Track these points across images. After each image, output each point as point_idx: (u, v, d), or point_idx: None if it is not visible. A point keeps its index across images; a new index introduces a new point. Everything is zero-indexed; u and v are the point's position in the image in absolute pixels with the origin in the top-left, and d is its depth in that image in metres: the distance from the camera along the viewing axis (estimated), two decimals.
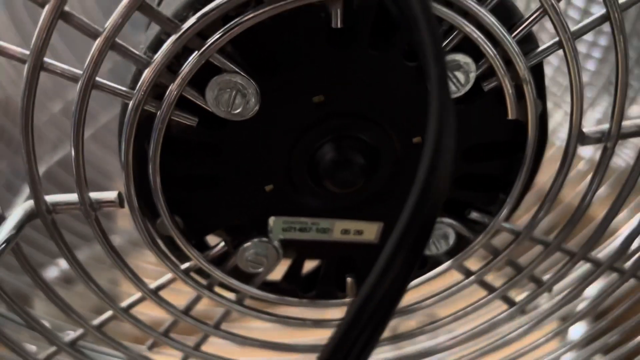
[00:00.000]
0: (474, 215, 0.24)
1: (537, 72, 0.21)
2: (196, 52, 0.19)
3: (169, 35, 0.19)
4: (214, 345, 0.27)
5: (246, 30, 0.18)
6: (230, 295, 0.25)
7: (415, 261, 0.14)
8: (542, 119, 0.22)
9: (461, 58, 0.20)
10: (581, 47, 0.49)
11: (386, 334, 0.27)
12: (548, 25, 0.20)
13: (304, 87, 0.21)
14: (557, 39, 0.20)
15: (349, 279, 0.25)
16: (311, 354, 0.27)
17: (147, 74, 0.19)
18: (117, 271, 0.23)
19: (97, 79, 0.19)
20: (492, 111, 0.21)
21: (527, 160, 0.22)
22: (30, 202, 0.21)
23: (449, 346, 0.28)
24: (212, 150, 0.21)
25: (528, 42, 0.20)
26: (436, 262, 0.25)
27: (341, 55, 0.20)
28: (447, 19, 0.19)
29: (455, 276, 0.26)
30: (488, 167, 0.23)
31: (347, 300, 0.25)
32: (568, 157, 0.22)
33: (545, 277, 0.27)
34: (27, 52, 0.18)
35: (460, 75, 0.20)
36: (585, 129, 0.22)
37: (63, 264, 0.41)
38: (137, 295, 0.24)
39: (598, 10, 0.20)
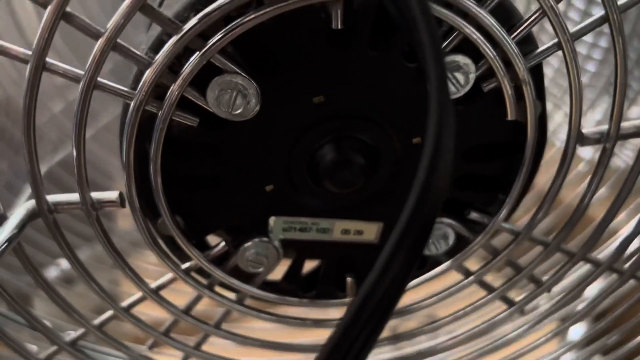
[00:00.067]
0: (474, 215, 0.24)
1: (537, 73, 0.21)
2: (197, 52, 0.19)
3: (170, 36, 0.19)
4: (215, 345, 0.27)
5: (247, 31, 0.19)
6: (231, 295, 0.25)
7: (414, 261, 0.14)
8: (542, 119, 0.22)
9: (461, 59, 0.20)
10: (581, 49, 0.49)
11: (386, 334, 0.28)
12: (548, 26, 0.20)
13: (304, 87, 0.21)
14: (556, 40, 0.20)
15: (349, 279, 0.25)
16: (311, 353, 0.27)
17: (148, 74, 0.19)
18: (118, 272, 0.23)
19: (99, 79, 0.19)
20: (492, 112, 0.21)
21: (527, 161, 0.22)
22: (32, 202, 0.21)
23: (448, 346, 0.28)
24: (213, 150, 0.22)
25: (527, 43, 0.21)
26: (436, 262, 0.25)
27: (341, 56, 0.20)
28: (447, 20, 0.19)
29: (455, 276, 0.26)
30: (487, 167, 0.23)
31: (347, 300, 0.25)
32: (567, 157, 0.22)
33: (545, 278, 0.27)
34: (30, 53, 0.18)
35: (459, 76, 0.20)
36: (584, 130, 0.22)
37: (63, 263, 0.41)
38: (138, 294, 0.24)
39: (598, 12, 0.20)
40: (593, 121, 0.51)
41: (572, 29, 0.20)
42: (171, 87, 0.19)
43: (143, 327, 0.25)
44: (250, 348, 0.26)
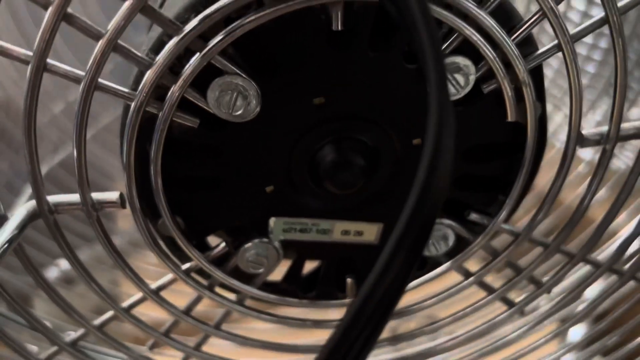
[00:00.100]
0: (474, 216, 0.24)
1: (537, 74, 0.21)
2: (198, 54, 0.19)
3: (170, 37, 0.19)
4: (215, 345, 0.27)
5: (247, 32, 0.19)
6: (231, 296, 0.25)
7: (414, 262, 0.14)
8: (542, 121, 0.22)
9: (461, 60, 0.20)
10: (581, 50, 0.49)
11: (385, 334, 0.28)
12: (548, 27, 0.20)
13: (305, 88, 0.21)
14: (556, 41, 0.20)
15: (349, 280, 0.25)
16: (311, 354, 0.27)
17: (149, 75, 0.19)
18: (118, 272, 0.23)
19: (100, 80, 0.19)
20: (492, 113, 0.21)
21: (527, 162, 0.22)
22: (33, 203, 0.21)
23: (448, 347, 0.28)
24: (213, 151, 0.22)
25: (527, 45, 0.21)
26: (436, 263, 0.25)
27: (341, 57, 0.20)
28: (447, 21, 0.19)
29: (455, 277, 0.26)
30: (487, 168, 0.23)
31: (347, 301, 0.25)
32: (567, 158, 0.22)
33: (545, 279, 0.27)
34: (30, 54, 0.18)
35: (459, 78, 0.20)
36: (584, 131, 0.22)
37: (63, 264, 0.41)
38: (138, 295, 0.24)
39: (598, 13, 0.20)
40: (593, 122, 0.51)
41: (572, 29, 0.20)
42: (172, 88, 0.19)
43: (143, 328, 0.25)
44: (250, 349, 0.26)
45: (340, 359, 0.14)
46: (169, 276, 0.24)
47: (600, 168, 0.23)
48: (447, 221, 0.24)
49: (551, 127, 0.49)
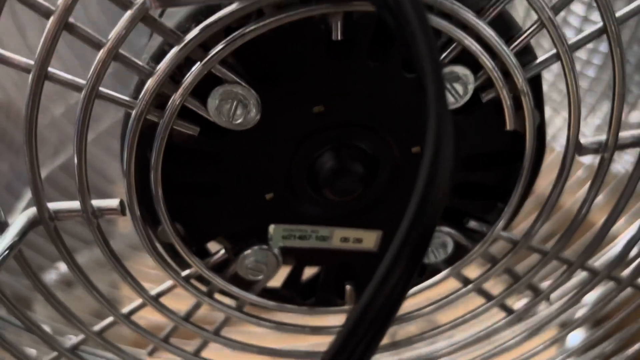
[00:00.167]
0: (472, 224, 0.24)
1: (535, 83, 0.21)
2: (198, 63, 0.19)
3: (171, 46, 0.19)
4: (213, 349, 0.27)
5: (248, 41, 0.19)
6: (230, 301, 0.25)
7: (414, 270, 0.14)
8: (540, 129, 0.22)
9: (460, 70, 0.20)
10: (581, 54, 0.49)
11: (385, 340, 0.28)
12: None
13: (304, 97, 0.21)
14: (554, 51, 0.20)
15: (348, 287, 0.25)
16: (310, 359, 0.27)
17: (149, 84, 0.19)
18: (118, 275, 0.23)
19: (100, 88, 0.19)
20: (491, 122, 0.22)
21: (525, 171, 0.22)
22: (33, 209, 0.21)
23: (447, 352, 0.28)
24: (213, 158, 0.22)
25: (526, 54, 0.21)
26: (435, 270, 0.25)
27: (341, 67, 0.20)
28: (446, 31, 0.19)
29: (454, 281, 0.26)
30: (486, 176, 0.23)
31: (347, 307, 0.25)
32: (565, 167, 0.22)
33: (543, 284, 0.27)
34: (32, 62, 0.19)
35: (458, 87, 0.20)
36: (582, 140, 0.22)
37: (63, 267, 0.41)
38: (138, 301, 0.24)
39: (597, 17, 0.20)
40: (593, 125, 0.51)
41: (571, 35, 0.20)
42: (172, 97, 0.20)
43: (143, 334, 0.25)
44: (249, 354, 0.27)
45: None
46: (169, 283, 0.24)
47: (599, 176, 0.23)
48: (446, 229, 0.24)
49: (551, 130, 0.49)
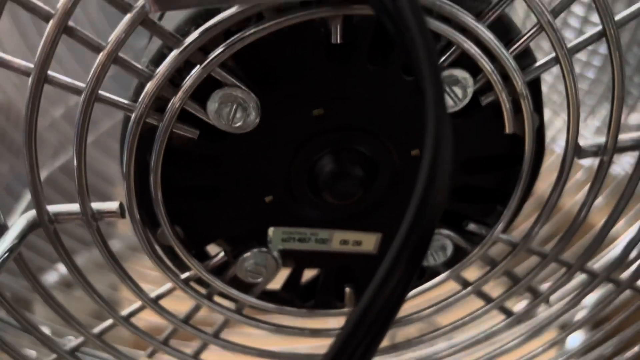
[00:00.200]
0: (472, 226, 0.24)
1: (534, 86, 0.21)
2: (198, 66, 0.19)
3: (171, 50, 0.19)
4: (213, 351, 0.27)
5: (247, 45, 0.19)
6: (230, 304, 0.25)
7: (413, 273, 0.14)
8: (539, 132, 0.22)
9: (459, 73, 0.20)
10: (580, 55, 0.49)
11: (384, 342, 0.28)
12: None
13: (304, 100, 0.21)
14: (553, 54, 0.20)
15: (347, 289, 0.25)
16: None
17: (149, 87, 0.19)
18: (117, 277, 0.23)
19: (100, 92, 0.19)
20: (490, 125, 0.22)
21: (524, 174, 0.22)
22: (33, 212, 0.21)
23: (447, 355, 0.28)
24: (213, 161, 0.22)
25: (525, 57, 0.21)
26: (434, 272, 0.25)
27: (340, 70, 0.20)
28: (445, 35, 0.19)
29: (454, 284, 0.26)
30: (486, 179, 0.23)
31: (346, 310, 0.25)
32: (564, 171, 0.22)
33: (543, 286, 0.27)
34: (31, 66, 0.19)
35: (458, 90, 0.20)
36: (582, 142, 0.22)
37: (63, 268, 0.41)
38: (138, 304, 0.24)
39: (597, 19, 0.20)
40: (593, 127, 0.51)
41: (571, 36, 0.20)
42: (172, 100, 0.20)
43: (142, 336, 0.25)
44: (249, 356, 0.27)
45: None
46: (168, 285, 0.24)
47: (598, 180, 0.23)
48: (445, 231, 0.24)
49: (551, 132, 0.49)
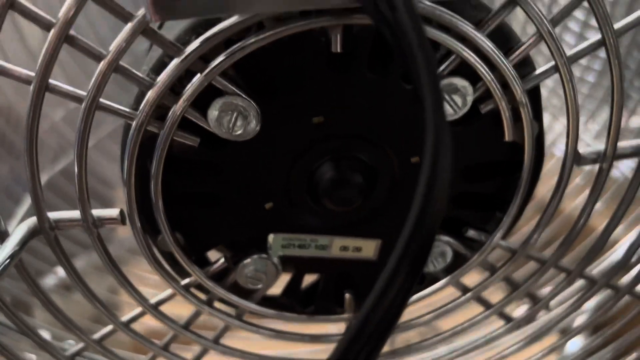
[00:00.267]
0: (471, 233, 0.24)
1: (534, 94, 0.21)
2: (199, 74, 0.19)
3: (171, 58, 0.19)
4: (214, 356, 0.27)
5: (248, 54, 0.19)
6: (230, 310, 0.25)
7: (414, 281, 0.14)
8: (539, 139, 0.22)
9: (458, 82, 0.20)
10: (581, 60, 0.49)
11: (384, 348, 0.28)
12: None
13: (304, 109, 0.21)
14: (553, 63, 0.20)
15: (347, 295, 0.25)
16: None
17: (150, 95, 0.19)
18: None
19: (101, 100, 0.19)
20: (489, 133, 0.22)
21: (524, 182, 0.22)
22: (34, 219, 0.21)
23: None
24: (213, 169, 0.22)
25: (525, 66, 0.21)
26: (434, 278, 0.25)
27: (340, 79, 0.20)
28: (445, 44, 0.19)
29: (453, 289, 0.26)
30: (485, 186, 0.24)
31: (346, 316, 0.25)
32: (564, 178, 0.22)
33: (542, 291, 0.27)
34: (33, 74, 0.19)
35: (457, 99, 0.20)
36: (581, 149, 0.22)
37: (62, 271, 0.41)
38: (138, 309, 0.24)
39: (596, 22, 0.20)
40: (594, 131, 0.51)
41: (570, 40, 0.20)
42: (172, 108, 0.20)
43: (142, 342, 0.25)
44: None
45: None
46: (168, 291, 0.24)
47: (597, 186, 0.23)
48: (445, 238, 0.24)
49: (551, 136, 0.49)
